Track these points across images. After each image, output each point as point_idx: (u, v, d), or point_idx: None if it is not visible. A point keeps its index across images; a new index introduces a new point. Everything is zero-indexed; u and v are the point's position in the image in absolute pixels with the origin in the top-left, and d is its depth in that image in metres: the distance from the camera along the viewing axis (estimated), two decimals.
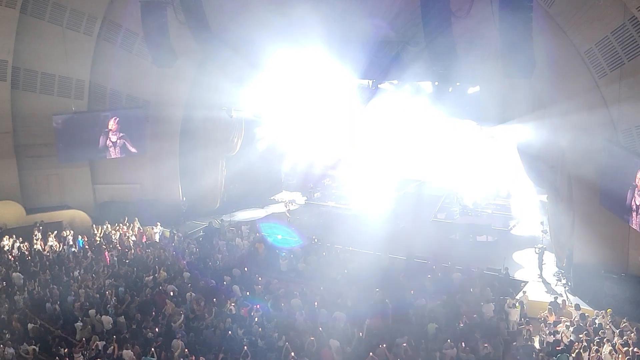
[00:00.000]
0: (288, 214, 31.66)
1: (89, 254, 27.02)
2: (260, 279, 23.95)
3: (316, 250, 26.49)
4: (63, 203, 31.47)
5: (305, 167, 36.69)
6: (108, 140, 30.62)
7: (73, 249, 27.83)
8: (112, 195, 32.18)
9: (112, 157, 30.92)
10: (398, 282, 23.16)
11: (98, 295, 22.95)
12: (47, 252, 27.47)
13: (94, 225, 30.11)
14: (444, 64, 22.11)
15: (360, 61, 25.32)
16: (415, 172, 35.28)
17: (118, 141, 30.74)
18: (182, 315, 21.00)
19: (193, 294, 22.62)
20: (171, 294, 22.80)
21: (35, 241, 28.15)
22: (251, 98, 30.80)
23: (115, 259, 26.67)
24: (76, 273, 25.05)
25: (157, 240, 29.20)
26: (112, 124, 30.42)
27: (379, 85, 27.80)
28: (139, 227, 29.83)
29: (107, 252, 26.86)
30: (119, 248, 27.85)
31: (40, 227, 29.18)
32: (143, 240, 29.09)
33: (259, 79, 29.48)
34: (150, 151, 31.48)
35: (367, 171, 34.36)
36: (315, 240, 27.39)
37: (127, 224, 29.95)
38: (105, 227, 29.80)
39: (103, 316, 21.54)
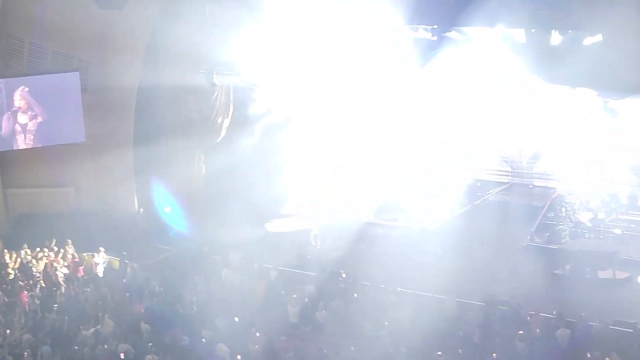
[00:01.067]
0: (314, 242, 31.88)
1: None
2: (258, 334, 23.79)
3: (344, 291, 26.38)
4: None
5: (328, 164, 36.97)
6: (15, 123, 31.03)
7: None
8: (33, 205, 32.38)
9: (21, 147, 31.25)
10: (472, 341, 22.96)
11: (11, 358, 22.74)
12: None
13: (5, 251, 30.12)
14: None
15: None
16: (499, 169, 35.17)
17: (30, 123, 31.05)
18: None
19: (155, 357, 22.56)
20: (122, 356, 22.76)
21: None
22: (245, 55, 30.90)
23: (38, 302, 26.63)
24: None
25: (101, 275, 29.18)
26: (18, 99, 30.69)
27: (443, 35, 27.76)
28: (73, 254, 29.83)
29: (25, 292, 26.87)
30: (43, 285, 27.86)
31: None
32: (79, 274, 29.03)
33: (258, 24, 29.65)
34: (90, 138, 31.63)
35: (424, 168, 34.23)
36: (343, 275, 27.36)
37: (56, 249, 29.91)
38: (22, 253, 29.76)
39: None
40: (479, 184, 35.42)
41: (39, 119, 31.20)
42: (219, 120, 33.28)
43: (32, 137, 31.12)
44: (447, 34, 27.48)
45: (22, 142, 31.09)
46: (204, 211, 34.65)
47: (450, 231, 30.62)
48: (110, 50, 30.76)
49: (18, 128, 30.96)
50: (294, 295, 26.23)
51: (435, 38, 27.59)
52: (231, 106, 33.59)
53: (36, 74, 31.11)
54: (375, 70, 29.79)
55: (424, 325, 23.44)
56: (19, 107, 30.80)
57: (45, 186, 32.46)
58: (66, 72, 31.06)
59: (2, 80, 30.74)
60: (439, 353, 21.88)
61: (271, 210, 36.00)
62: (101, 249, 29.87)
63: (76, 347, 23.32)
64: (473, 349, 22.57)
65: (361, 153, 37.29)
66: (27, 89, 30.65)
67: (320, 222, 34.29)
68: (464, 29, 27.17)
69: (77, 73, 31.15)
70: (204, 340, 23.57)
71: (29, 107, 30.86)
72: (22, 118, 30.89)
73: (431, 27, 27.53)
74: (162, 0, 30.01)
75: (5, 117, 30.66)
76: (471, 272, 27.67)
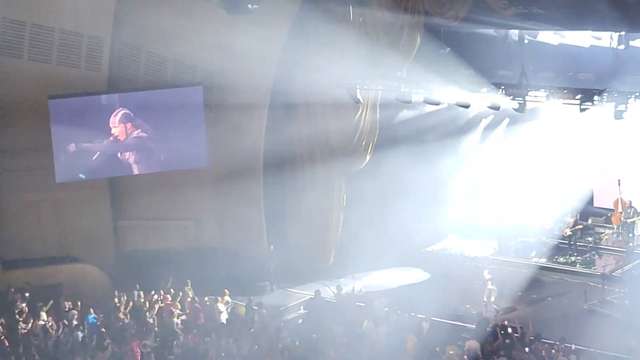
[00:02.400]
0: (491, 286, 31.77)
1: (106, 342, 27.73)
2: None
3: (509, 347, 26.03)
4: (63, 253, 33.46)
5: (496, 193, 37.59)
6: (128, 146, 32.71)
7: (80, 333, 28.96)
8: (147, 241, 33.93)
9: (134, 172, 32.87)
10: None
11: None
12: (37, 336, 28.76)
13: (115, 292, 31.18)
14: None
15: None
16: None
17: (144, 146, 32.76)
18: None
19: None
20: None
21: (18, 317, 29.68)
22: (394, 66, 31.45)
23: (151, 353, 27.49)
24: None
25: (224, 322, 30.06)
26: (115, 120, 32.42)
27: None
28: (192, 298, 30.79)
29: (136, 341, 27.67)
30: (158, 333, 28.65)
31: (26, 295, 30.73)
32: (199, 321, 29.94)
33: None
34: (214, 163, 33.00)
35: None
36: (509, 330, 27.41)
37: (172, 292, 30.93)
38: (134, 295, 30.92)
39: None
40: None
41: (155, 141, 32.84)
42: (364, 143, 33.85)
43: (147, 161, 32.79)
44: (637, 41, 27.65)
45: (136, 167, 32.83)
46: (345, 249, 35.37)
47: (638, 279, 30.48)
48: (238, 62, 31.62)
49: (129, 152, 32.81)
50: (451, 352, 26.39)
51: (622, 47, 27.85)
52: (377, 126, 34.14)
53: (154, 88, 32.74)
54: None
55: None
56: (129, 128, 32.65)
57: (161, 218, 33.95)
58: (188, 85, 32.57)
59: (116, 95, 32.58)
60: None
61: (422, 249, 36.81)
62: (226, 291, 30.78)
63: None
64: None
65: (537, 182, 37.98)
66: (124, 111, 32.43)
67: (490, 266, 34.55)
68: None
69: (201, 87, 32.54)
70: None
71: (143, 128, 32.56)
72: (133, 140, 32.70)
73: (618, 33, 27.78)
74: (298, 5, 30.99)
75: (114, 138, 32.58)
76: None
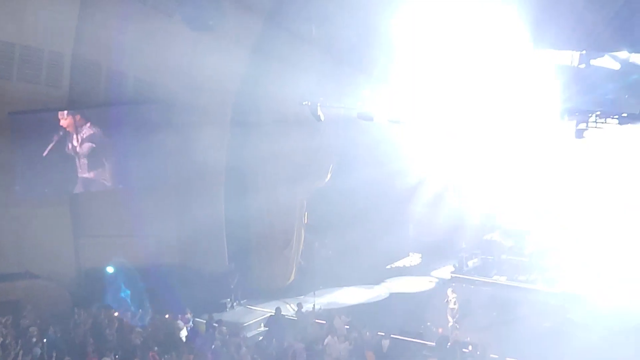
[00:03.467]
0: (454, 305, 31.59)
1: (66, 359, 27.71)
2: None
3: None
4: (22, 269, 32.95)
5: (458, 211, 37.71)
6: (85, 162, 32.55)
7: (39, 349, 28.27)
8: (109, 257, 33.45)
9: (92, 188, 32.76)
10: None
11: None
12: None
13: (75, 309, 30.83)
14: None
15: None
16: None
17: (104, 162, 32.53)
18: None
19: None
20: None
21: None
22: (355, 83, 31.73)
23: None
24: None
25: (184, 339, 29.74)
26: (87, 134, 32.15)
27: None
28: (152, 315, 30.60)
29: (97, 359, 27.15)
30: (118, 349, 28.13)
31: None
32: (159, 339, 29.16)
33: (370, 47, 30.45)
34: (174, 180, 33.02)
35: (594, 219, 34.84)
36: (469, 348, 27.21)
37: (132, 309, 30.97)
38: (94, 312, 30.50)
39: None
40: None
41: (115, 157, 32.70)
42: (325, 160, 34.17)
43: (107, 177, 32.70)
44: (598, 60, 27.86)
45: (96, 184, 32.76)
46: (307, 266, 35.65)
47: (611, 299, 30.72)
48: (200, 80, 31.85)
49: (89, 168, 32.71)
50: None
51: (582, 66, 28.02)
52: (339, 145, 34.46)
53: (114, 105, 32.60)
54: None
55: None
56: (86, 134, 32.45)
57: (122, 235, 33.62)
58: (149, 102, 32.52)
59: (75, 111, 32.33)
60: None
61: (388, 266, 36.80)
62: (187, 310, 30.70)
63: None
64: None
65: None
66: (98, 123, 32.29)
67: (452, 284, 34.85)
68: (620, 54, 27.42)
69: (162, 104, 32.50)
70: None
71: (92, 120, 32.43)
72: (93, 156, 32.55)
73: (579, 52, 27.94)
74: (263, 18, 31.08)
75: (75, 155, 32.49)
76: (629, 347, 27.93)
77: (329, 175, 34.70)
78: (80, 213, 34.02)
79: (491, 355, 26.80)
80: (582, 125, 27.40)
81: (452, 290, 30.46)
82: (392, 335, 28.46)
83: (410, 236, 40.11)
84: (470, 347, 27.54)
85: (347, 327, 29.70)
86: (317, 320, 30.93)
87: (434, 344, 28.17)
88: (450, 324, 29.62)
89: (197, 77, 32.00)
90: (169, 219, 33.48)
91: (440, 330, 28.33)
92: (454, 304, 30.46)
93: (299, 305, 31.82)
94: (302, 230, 35.35)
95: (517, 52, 28.33)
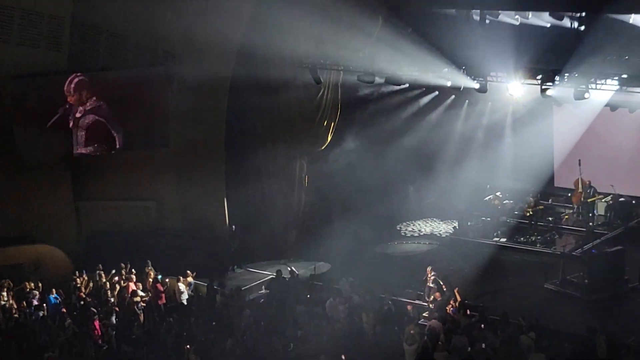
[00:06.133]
0: (432, 284, 31.56)
1: (67, 322, 27.69)
2: None
3: (469, 327, 26.19)
4: (24, 233, 33.12)
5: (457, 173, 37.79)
6: (87, 126, 32.38)
7: (41, 313, 28.86)
8: (109, 222, 33.77)
9: (95, 153, 32.60)
10: None
11: None
12: None
13: (77, 273, 31.15)
14: None
15: None
16: None
17: (83, 119, 32.32)
18: None
19: None
20: None
21: None
22: (356, 46, 31.50)
23: (112, 332, 27.28)
24: (46, 355, 25.68)
25: (184, 302, 30.07)
26: (70, 87, 31.91)
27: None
28: (153, 279, 30.66)
29: (97, 321, 27.55)
30: (118, 312, 28.66)
31: None
32: (160, 302, 29.92)
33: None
34: (175, 145, 32.83)
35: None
36: (468, 311, 27.70)
37: (134, 272, 30.84)
38: (95, 276, 30.85)
39: None
40: (634, 202, 35.56)
41: (116, 121, 32.48)
42: (325, 124, 33.97)
43: (109, 142, 32.45)
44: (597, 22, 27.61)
45: (97, 147, 32.55)
46: (307, 230, 35.59)
47: (598, 258, 30.65)
48: (200, 43, 31.43)
49: (90, 131, 32.49)
50: (412, 332, 26.48)
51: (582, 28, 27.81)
52: (339, 107, 34.25)
53: (115, 68, 32.51)
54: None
55: None
56: (90, 107, 32.31)
57: (123, 199, 33.76)
58: (149, 66, 32.43)
59: (76, 75, 32.12)
60: None
61: (389, 230, 36.86)
62: (189, 272, 30.67)
63: None
64: None
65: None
66: (80, 79, 32.01)
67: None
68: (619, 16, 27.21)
69: (162, 68, 32.30)
70: None
71: (98, 95, 32.22)
72: (94, 120, 32.38)
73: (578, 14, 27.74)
74: None
75: (75, 118, 32.32)
76: (621, 309, 27.86)
77: (329, 138, 34.49)
78: (80, 177, 33.94)
79: (490, 317, 26.76)
80: (582, 87, 27.22)
81: (431, 269, 30.01)
82: (392, 297, 28.40)
83: (410, 198, 40.03)
84: (468, 311, 27.63)
85: (350, 289, 29.66)
86: (318, 283, 30.90)
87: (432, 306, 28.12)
88: (427, 304, 29.15)
89: (198, 39, 31.64)
90: (170, 183, 33.33)
91: (437, 294, 28.19)
92: (432, 282, 30.00)
93: (300, 268, 32.08)
94: (303, 193, 35.22)
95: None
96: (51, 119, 32.20)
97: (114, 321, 28.20)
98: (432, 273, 28.82)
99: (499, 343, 24.93)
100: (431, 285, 28.66)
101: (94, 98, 32.22)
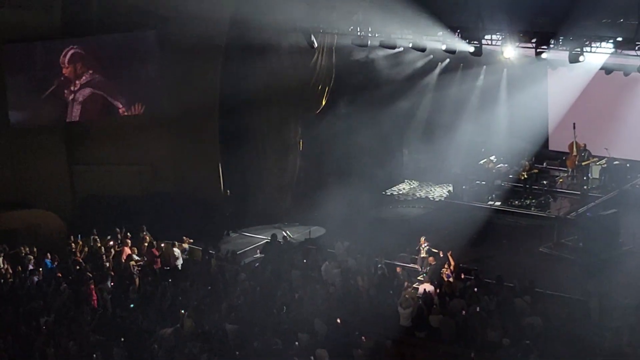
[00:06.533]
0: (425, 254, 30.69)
1: (63, 287, 27.89)
2: (364, 339, 24.05)
3: (464, 290, 26.31)
4: (18, 198, 33.21)
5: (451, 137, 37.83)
6: (81, 90, 32.42)
7: (36, 278, 28.78)
8: (104, 186, 33.65)
9: (89, 117, 32.66)
10: (620, 353, 22.64)
11: None
12: None
13: (72, 238, 31.24)
14: None
15: None
16: None
17: (99, 90, 32.38)
18: None
19: None
20: None
21: None
22: (351, 10, 31.35)
23: (108, 297, 27.44)
24: (43, 320, 25.96)
25: (179, 267, 30.09)
26: (65, 59, 31.92)
27: None
28: (149, 243, 30.77)
29: (93, 286, 27.62)
30: (114, 276, 28.67)
31: None
32: (156, 266, 29.88)
33: None
34: (169, 108, 32.70)
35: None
36: (462, 275, 27.97)
37: (129, 237, 30.96)
38: (90, 240, 30.91)
39: None
40: (628, 165, 35.56)
41: (109, 85, 32.50)
42: (319, 87, 33.86)
43: (101, 105, 32.51)
44: None
45: (90, 112, 32.54)
46: (302, 194, 35.61)
47: (592, 221, 30.68)
48: (193, 5, 31.10)
49: (83, 96, 32.49)
50: (406, 296, 26.45)
51: None
52: (333, 71, 34.15)
53: (108, 33, 32.27)
54: None
55: (558, 332, 23.77)
56: (85, 80, 32.33)
57: (117, 164, 33.60)
58: (142, 29, 32.23)
59: (68, 40, 32.02)
60: None
61: (379, 194, 36.92)
62: (185, 238, 30.77)
63: (156, 347, 24.00)
64: None
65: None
66: (75, 50, 31.97)
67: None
68: None
69: (155, 31, 32.16)
70: (297, 344, 23.83)
71: (94, 68, 32.18)
72: (87, 85, 32.42)
73: None
74: None
75: (66, 79, 32.22)
76: (618, 271, 27.80)
77: (324, 102, 34.43)
78: (74, 141, 33.84)
79: (485, 280, 26.83)
80: (577, 50, 27.20)
81: (424, 239, 29.83)
82: (386, 261, 28.55)
83: (405, 162, 39.99)
84: (462, 275, 27.69)
85: (346, 252, 29.75)
86: (312, 246, 30.97)
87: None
88: (420, 276, 29.11)
89: (192, 4, 31.39)
90: (164, 147, 33.25)
91: (431, 259, 28.21)
92: (426, 252, 29.69)
93: (294, 232, 32.47)
94: (297, 158, 35.18)
95: None
96: (45, 85, 32.23)
97: (110, 286, 28.22)
98: (426, 243, 28.81)
99: (494, 306, 25.05)
100: (424, 255, 28.65)
101: (90, 72, 32.19)
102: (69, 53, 31.93)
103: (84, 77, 32.16)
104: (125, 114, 32.96)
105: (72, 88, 32.24)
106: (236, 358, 23.56)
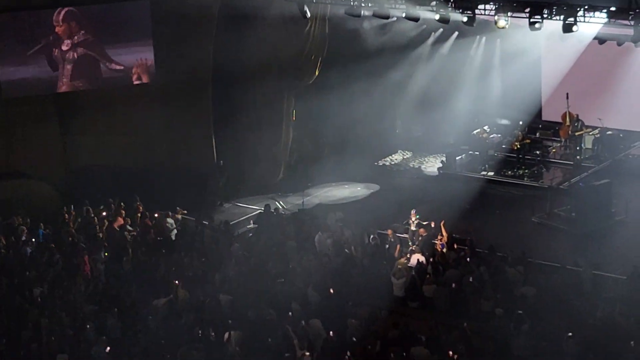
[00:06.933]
0: (414, 228, 30.01)
1: (56, 257, 27.82)
2: (357, 309, 24.30)
3: (457, 261, 26.43)
4: (11, 169, 33.04)
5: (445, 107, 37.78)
6: (71, 59, 32.08)
7: (29, 248, 28.76)
8: (97, 157, 33.49)
9: (79, 88, 32.46)
10: (612, 322, 22.83)
11: (72, 331, 23.59)
12: None
13: (65, 208, 31.09)
14: None
15: None
16: None
17: (71, 52, 31.98)
18: None
19: (236, 333, 22.77)
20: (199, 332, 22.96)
21: None
22: None
23: (102, 267, 27.52)
24: (36, 291, 25.95)
25: (174, 238, 29.94)
26: (59, 18, 31.38)
27: None
28: (142, 213, 30.73)
29: (87, 256, 27.67)
30: (107, 247, 28.64)
31: None
32: (149, 238, 29.69)
33: None
34: (162, 78, 32.53)
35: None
36: (455, 246, 28.01)
37: (122, 207, 30.90)
38: (84, 211, 30.71)
39: None
40: (621, 135, 35.64)
41: (102, 55, 32.22)
42: (312, 57, 33.74)
43: (94, 76, 32.30)
44: None
45: (82, 82, 32.34)
46: (295, 165, 35.74)
47: (585, 191, 30.75)
48: None
49: (76, 65, 32.19)
50: (399, 266, 26.50)
51: None
52: (326, 41, 33.99)
53: (101, 2, 31.88)
54: None
55: (550, 302, 23.81)
56: (78, 40, 31.91)
57: (111, 134, 33.36)
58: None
59: (60, 8, 31.58)
60: (569, 335, 22.15)
61: (372, 164, 37.09)
62: (178, 209, 30.78)
63: (150, 317, 24.10)
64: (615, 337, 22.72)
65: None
66: (87, 15, 31.69)
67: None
68: None
69: (148, 2, 31.85)
70: (291, 314, 23.85)
71: (88, 29, 31.84)
72: (80, 54, 32.06)
73: None
74: None
75: (61, 50, 31.91)
76: (611, 241, 28.07)
77: (317, 72, 34.39)
78: (67, 112, 33.68)
79: (477, 250, 26.90)
80: (571, 20, 27.15)
81: (415, 212, 29.67)
82: (378, 231, 28.58)
83: (398, 132, 40.02)
84: (455, 245, 27.74)
85: (340, 224, 29.69)
86: (306, 217, 30.93)
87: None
88: (410, 247, 28.55)
89: None
90: (157, 118, 33.17)
91: (422, 230, 28.24)
92: (416, 226, 29.40)
93: (288, 202, 32.62)
94: (291, 128, 35.15)
95: None
96: (32, 45, 31.83)
97: (103, 256, 28.21)
98: (416, 217, 28.78)
99: (487, 276, 25.13)
100: (414, 229, 28.63)
101: (83, 32, 31.86)
102: (63, 11, 31.47)
103: (76, 37, 31.79)
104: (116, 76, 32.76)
105: (63, 47, 31.85)
106: (231, 328, 23.47)
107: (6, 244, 28.99)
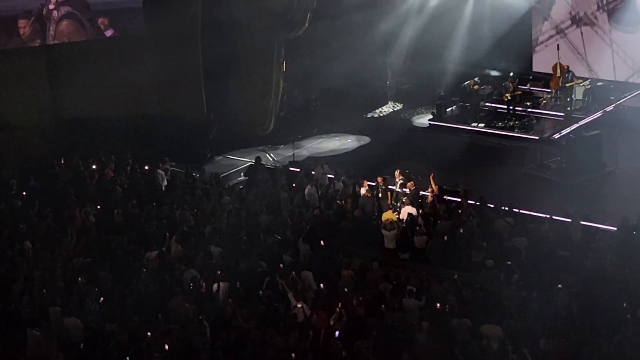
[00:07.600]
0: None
1: (47, 210, 27.71)
2: (348, 261, 24.28)
3: (448, 211, 26.56)
4: (1, 122, 32.92)
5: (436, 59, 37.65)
6: (59, 11, 32.35)
7: (19, 201, 28.64)
8: (87, 109, 33.52)
9: (69, 39, 32.48)
10: (603, 272, 23.10)
11: (63, 284, 23.54)
12: None
13: (55, 161, 31.16)
14: None
15: None
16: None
17: (77, 13, 32.22)
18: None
19: (227, 285, 22.86)
20: (190, 284, 23.07)
21: None
22: None
23: (93, 219, 27.42)
24: (28, 244, 25.97)
25: (163, 189, 30.00)
26: None
27: None
28: (132, 165, 30.82)
29: (78, 210, 27.58)
30: (98, 200, 28.63)
31: None
32: (140, 189, 29.71)
33: None
34: (151, 30, 32.68)
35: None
36: (447, 197, 27.82)
37: (113, 160, 31.04)
38: (74, 163, 30.79)
39: (72, 318, 22.79)
40: (612, 86, 35.64)
41: (92, 7, 32.38)
42: (302, 9, 33.57)
43: (82, 28, 32.41)
44: None
45: (73, 34, 32.45)
46: (286, 117, 35.74)
47: (576, 143, 30.79)
48: None
49: (62, 20, 32.37)
50: (389, 219, 26.60)
51: None
52: None
53: None
54: None
55: (540, 252, 23.93)
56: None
57: (101, 87, 33.19)
58: None
59: None
60: (559, 286, 22.24)
61: (368, 115, 37.37)
62: (166, 159, 30.81)
63: (144, 270, 24.06)
64: (602, 282, 22.80)
65: None
66: None
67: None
68: None
69: None
70: (282, 266, 23.86)
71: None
72: (68, 9, 32.36)
73: None
74: None
75: (48, 9, 32.09)
76: (601, 192, 28.24)
77: (307, 23, 34.25)
78: (57, 64, 33.68)
79: (469, 201, 26.97)
80: None
81: (399, 172, 29.12)
82: (368, 183, 28.61)
83: (388, 84, 39.99)
84: (446, 197, 27.80)
85: (330, 176, 29.89)
86: (295, 169, 31.08)
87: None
88: (401, 200, 28.03)
89: None
90: (147, 70, 33.08)
91: (410, 184, 28.21)
92: (399, 187, 28.64)
93: (278, 154, 32.79)
94: (281, 79, 35.06)
95: None
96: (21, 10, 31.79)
97: (94, 209, 28.15)
98: (400, 177, 28.71)
99: (477, 227, 25.19)
100: (398, 190, 28.57)
101: None
102: None
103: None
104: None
105: (49, 6, 32.13)
106: (222, 279, 23.59)
107: None
